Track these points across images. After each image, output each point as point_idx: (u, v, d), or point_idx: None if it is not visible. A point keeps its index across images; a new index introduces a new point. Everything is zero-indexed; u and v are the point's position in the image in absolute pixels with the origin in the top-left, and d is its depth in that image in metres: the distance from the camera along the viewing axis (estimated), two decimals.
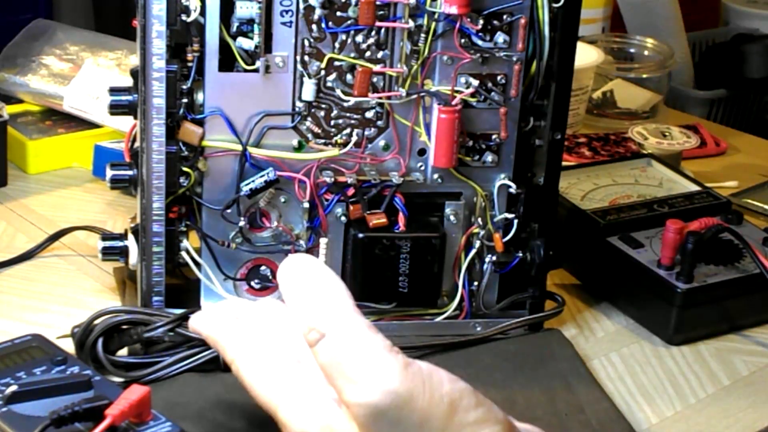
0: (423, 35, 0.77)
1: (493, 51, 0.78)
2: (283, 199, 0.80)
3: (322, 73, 0.78)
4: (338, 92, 0.78)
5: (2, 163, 1.06)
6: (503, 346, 0.83)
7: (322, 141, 0.79)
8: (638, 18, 1.66)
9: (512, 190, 0.82)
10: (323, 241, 0.81)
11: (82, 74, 1.14)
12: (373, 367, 0.53)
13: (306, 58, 0.77)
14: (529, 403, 0.76)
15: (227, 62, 0.76)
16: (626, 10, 1.68)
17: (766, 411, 0.79)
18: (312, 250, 0.81)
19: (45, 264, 0.93)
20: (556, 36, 0.79)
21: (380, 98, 0.78)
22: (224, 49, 0.76)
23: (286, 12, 0.76)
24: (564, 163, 0.85)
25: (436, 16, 0.76)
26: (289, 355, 0.62)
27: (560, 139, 0.81)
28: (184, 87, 0.76)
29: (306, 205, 0.80)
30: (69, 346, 0.74)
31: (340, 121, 0.79)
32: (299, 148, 0.79)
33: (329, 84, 0.78)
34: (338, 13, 0.76)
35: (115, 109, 0.79)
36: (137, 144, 0.78)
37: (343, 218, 0.80)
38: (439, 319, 0.84)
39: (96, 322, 0.75)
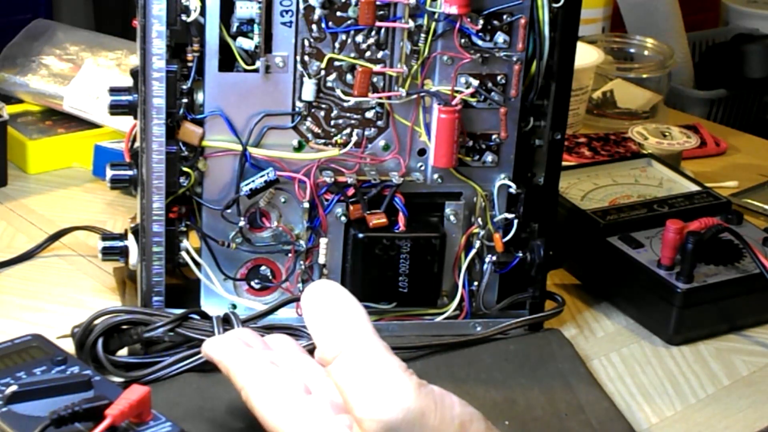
0: (423, 35, 0.77)
1: (493, 51, 0.78)
2: (283, 199, 0.80)
3: (322, 73, 0.78)
4: (338, 92, 0.78)
5: (2, 163, 1.06)
6: (503, 346, 0.83)
7: (322, 141, 0.79)
8: (638, 18, 1.66)
9: (512, 190, 0.82)
10: (323, 241, 0.81)
11: (82, 74, 1.14)
12: (387, 385, 0.54)
13: (306, 58, 0.77)
14: (529, 403, 0.76)
15: (227, 62, 0.76)
16: (626, 10, 1.68)
17: (766, 411, 0.79)
18: (312, 250, 0.81)
19: (45, 264, 0.93)
20: (556, 36, 0.79)
21: (380, 98, 0.78)
22: (224, 49, 0.76)
23: (286, 12, 0.76)
24: (564, 163, 0.85)
25: (436, 16, 0.76)
26: (299, 386, 0.62)
27: (560, 139, 0.81)
28: (184, 87, 0.76)
29: (306, 205, 0.80)
30: (69, 346, 0.74)
31: (340, 121, 0.79)
32: (299, 148, 0.79)
33: (329, 84, 0.78)
34: (338, 13, 0.76)
35: (115, 109, 0.79)
36: (137, 144, 0.78)
37: (343, 218, 0.80)
38: (439, 319, 0.84)
39: (96, 322, 0.75)
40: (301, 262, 0.81)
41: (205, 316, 0.77)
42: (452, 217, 0.82)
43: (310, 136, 0.79)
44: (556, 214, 0.85)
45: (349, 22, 0.76)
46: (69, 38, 1.22)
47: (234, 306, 0.81)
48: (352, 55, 0.77)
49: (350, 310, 0.58)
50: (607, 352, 0.85)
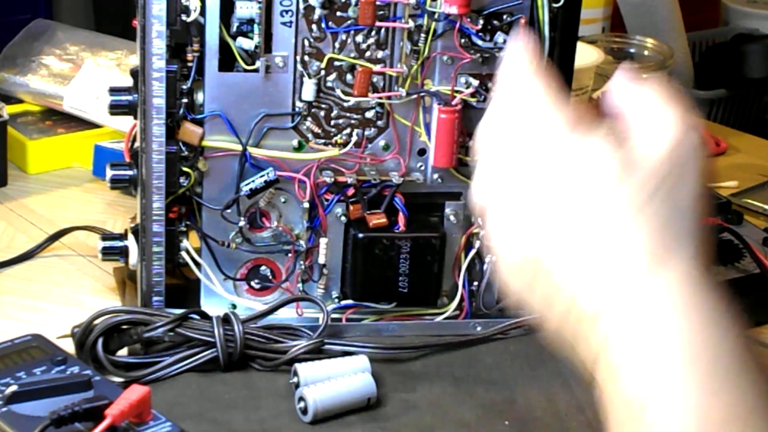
0: (423, 35, 0.77)
1: (493, 51, 0.78)
2: (283, 199, 0.80)
3: (322, 73, 0.78)
4: (338, 92, 0.78)
5: (2, 163, 1.06)
6: (503, 346, 0.83)
7: (322, 141, 0.79)
8: (638, 18, 1.66)
9: None
10: (323, 241, 0.81)
11: (82, 74, 1.14)
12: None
13: (306, 58, 0.77)
14: (529, 403, 0.76)
15: (227, 62, 0.76)
16: (626, 10, 1.68)
17: None
18: (312, 250, 0.81)
19: (45, 264, 0.93)
20: (556, 36, 0.79)
21: (380, 98, 0.78)
22: (224, 49, 0.76)
23: (286, 12, 0.76)
24: None
25: (436, 16, 0.76)
26: None
27: None
28: (184, 87, 0.76)
29: (306, 205, 0.80)
30: (69, 346, 0.74)
31: (340, 121, 0.79)
32: (299, 148, 0.79)
33: (329, 84, 0.78)
34: (338, 13, 0.76)
35: (115, 109, 0.79)
36: (137, 144, 0.78)
37: (343, 218, 0.80)
38: (439, 319, 0.84)
39: (96, 322, 0.75)
40: (301, 262, 0.81)
41: (205, 316, 0.77)
42: (452, 217, 0.82)
43: (310, 136, 0.79)
44: None
45: (349, 22, 0.76)
46: (69, 38, 1.22)
47: (234, 306, 0.81)
48: (352, 55, 0.77)
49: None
50: None
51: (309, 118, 0.79)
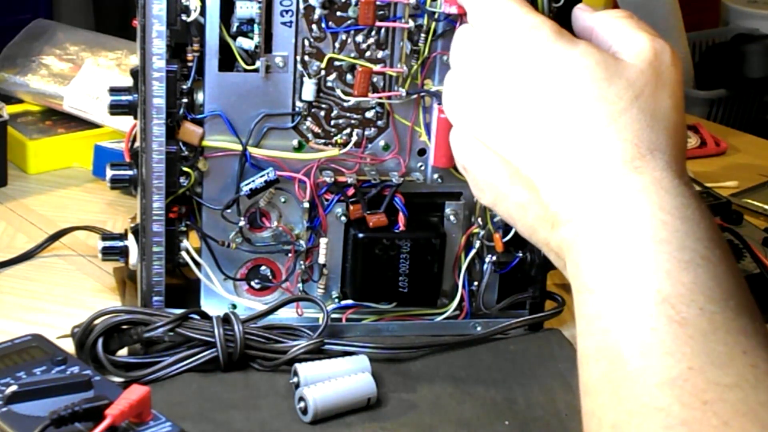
0: (423, 35, 0.77)
1: None
2: (283, 199, 0.80)
3: (322, 73, 0.78)
4: (338, 92, 0.78)
5: (2, 163, 1.06)
6: (503, 346, 0.83)
7: (322, 141, 0.79)
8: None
9: None
10: (323, 241, 0.81)
11: (82, 74, 1.14)
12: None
13: (306, 58, 0.77)
14: (529, 403, 0.76)
15: (227, 62, 0.76)
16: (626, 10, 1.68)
17: None
18: (312, 250, 0.81)
19: (45, 264, 0.93)
20: None
21: (380, 98, 0.78)
22: (224, 49, 0.76)
23: (286, 12, 0.76)
24: None
25: (436, 16, 0.76)
26: None
27: None
28: (184, 87, 0.76)
29: (306, 205, 0.80)
30: (69, 346, 0.74)
31: (340, 121, 0.79)
32: (299, 148, 0.79)
33: (329, 84, 0.78)
34: (338, 13, 0.76)
35: (115, 109, 0.79)
36: (137, 144, 0.78)
37: (343, 218, 0.80)
38: (439, 319, 0.84)
39: (96, 322, 0.75)
40: (301, 262, 0.81)
41: (205, 316, 0.77)
42: (452, 217, 0.82)
43: (310, 136, 0.79)
44: None
45: (349, 22, 0.76)
46: (69, 38, 1.22)
47: (234, 306, 0.81)
48: (352, 55, 0.77)
49: None
50: None
51: (309, 118, 0.79)
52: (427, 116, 0.79)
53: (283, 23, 0.76)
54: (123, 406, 0.62)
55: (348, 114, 0.79)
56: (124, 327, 0.76)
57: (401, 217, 0.80)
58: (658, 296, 0.50)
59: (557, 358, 0.81)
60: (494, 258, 0.84)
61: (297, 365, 0.74)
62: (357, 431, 0.71)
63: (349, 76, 0.78)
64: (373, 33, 0.77)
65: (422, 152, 0.81)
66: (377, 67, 0.77)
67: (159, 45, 0.74)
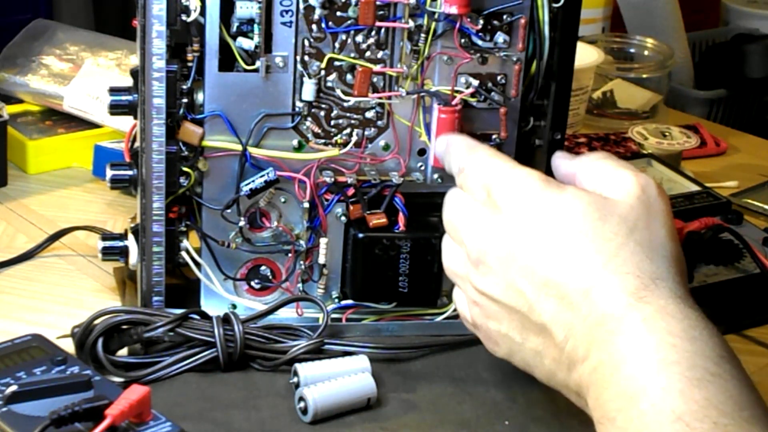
0: (423, 35, 0.77)
1: (493, 51, 0.78)
2: (283, 199, 0.80)
3: (322, 73, 0.78)
4: (338, 92, 0.78)
5: (2, 163, 1.06)
6: None
7: (322, 141, 0.79)
8: (638, 18, 1.66)
9: None
10: (323, 241, 0.81)
11: (82, 74, 1.14)
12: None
13: (306, 58, 0.77)
14: (529, 403, 0.76)
15: (227, 62, 0.76)
16: (626, 10, 1.68)
17: None
18: (312, 250, 0.81)
19: (45, 264, 0.93)
20: (556, 36, 0.79)
21: (380, 98, 0.78)
22: (224, 49, 0.76)
23: (286, 12, 0.76)
24: None
25: (436, 16, 0.76)
26: None
27: (560, 139, 0.81)
28: (184, 87, 0.76)
29: (306, 205, 0.80)
30: (69, 346, 0.74)
31: (340, 121, 0.79)
32: (299, 148, 0.79)
33: (329, 84, 0.78)
34: (338, 13, 0.76)
35: (115, 109, 0.79)
36: (137, 144, 0.78)
37: (343, 218, 0.80)
38: (439, 319, 0.84)
39: (96, 322, 0.75)
40: (301, 262, 0.81)
41: (205, 316, 0.77)
42: None
43: (310, 136, 0.79)
44: None
45: (349, 22, 0.76)
46: (69, 38, 1.22)
47: (234, 306, 0.81)
48: (352, 55, 0.77)
49: None
50: None
51: (309, 118, 0.79)
52: (427, 116, 0.79)
53: (283, 23, 0.76)
54: (123, 406, 0.62)
55: (348, 114, 0.79)
56: (124, 327, 0.76)
57: (401, 217, 0.80)
58: (673, 415, 0.52)
59: None
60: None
61: (297, 365, 0.74)
62: (357, 431, 0.71)
63: (349, 76, 0.78)
64: (373, 33, 0.77)
65: (422, 152, 0.81)
66: (377, 67, 0.77)
67: (159, 45, 0.74)
